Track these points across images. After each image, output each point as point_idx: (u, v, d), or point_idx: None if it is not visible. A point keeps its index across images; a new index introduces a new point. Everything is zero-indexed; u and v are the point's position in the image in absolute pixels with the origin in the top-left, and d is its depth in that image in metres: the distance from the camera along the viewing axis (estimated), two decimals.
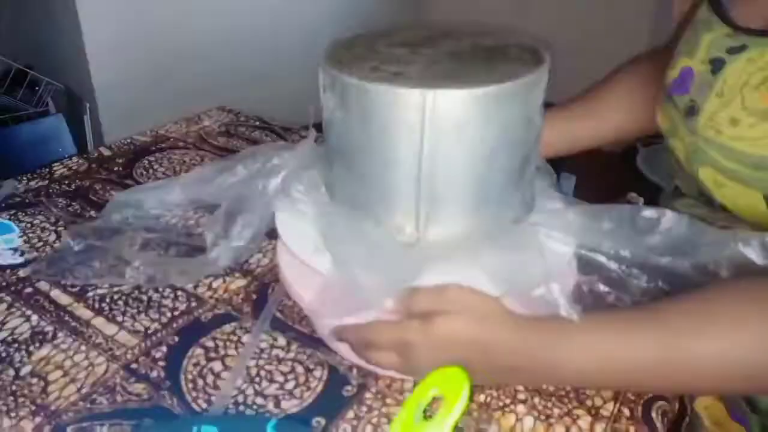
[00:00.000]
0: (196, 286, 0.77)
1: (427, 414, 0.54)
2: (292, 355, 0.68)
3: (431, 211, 0.61)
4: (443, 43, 0.67)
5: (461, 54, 0.64)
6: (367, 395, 0.63)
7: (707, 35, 0.66)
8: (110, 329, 0.71)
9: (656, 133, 0.81)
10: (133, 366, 0.66)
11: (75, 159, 1.09)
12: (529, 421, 0.60)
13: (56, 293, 0.76)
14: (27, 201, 0.95)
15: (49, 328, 0.70)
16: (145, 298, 0.75)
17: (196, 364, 0.66)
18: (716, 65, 0.64)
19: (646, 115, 0.82)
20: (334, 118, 0.63)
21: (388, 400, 0.62)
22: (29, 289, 0.76)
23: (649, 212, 0.61)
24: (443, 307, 0.56)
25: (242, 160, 0.78)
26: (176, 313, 0.73)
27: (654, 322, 0.54)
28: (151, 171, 1.06)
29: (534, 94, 0.60)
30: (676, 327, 0.52)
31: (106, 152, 1.13)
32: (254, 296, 0.76)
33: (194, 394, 0.63)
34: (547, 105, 0.65)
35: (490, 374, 0.58)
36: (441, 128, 0.57)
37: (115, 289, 0.76)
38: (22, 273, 0.79)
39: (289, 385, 0.64)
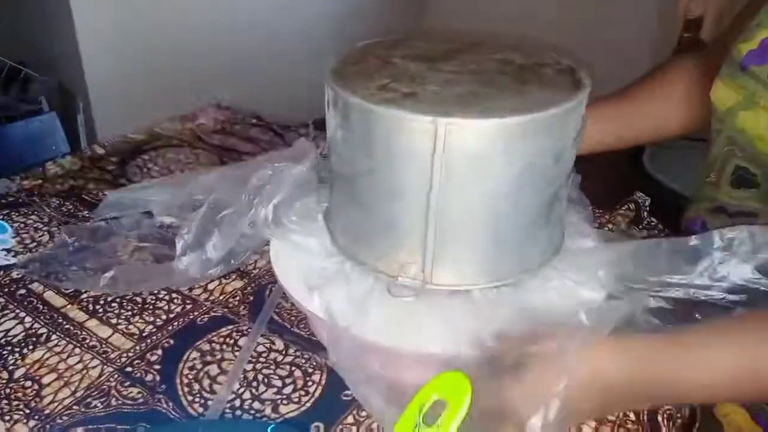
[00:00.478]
0: (191, 289, 0.76)
1: (428, 419, 0.53)
2: (290, 358, 0.67)
3: (440, 251, 0.55)
4: (467, 57, 0.60)
5: (486, 73, 0.57)
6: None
7: None
8: (105, 332, 0.70)
9: (699, 130, 0.81)
10: (128, 369, 0.65)
11: (68, 158, 1.08)
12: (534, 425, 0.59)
13: (50, 295, 0.74)
14: (20, 201, 0.94)
15: (43, 331, 0.69)
16: (139, 300, 0.74)
17: (191, 368, 0.65)
18: None
19: (692, 113, 0.81)
20: (336, 138, 0.57)
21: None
22: (23, 291, 0.75)
23: (693, 241, 0.56)
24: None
25: (242, 169, 0.75)
26: (171, 315, 0.72)
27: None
28: (145, 170, 1.05)
29: (568, 126, 0.54)
30: None
31: (100, 151, 1.11)
32: (251, 298, 0.75)
33: (190, 398, 0.62)
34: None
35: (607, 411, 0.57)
36: (455, 161, 0.51)
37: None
38: (15, 274, 0.78)
39: (288, 390, 0.63)
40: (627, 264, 0.58)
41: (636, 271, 0.58)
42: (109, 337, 0.69)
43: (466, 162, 0.51)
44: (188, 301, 0.74)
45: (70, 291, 0.75)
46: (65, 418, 0.59)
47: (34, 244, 0.84)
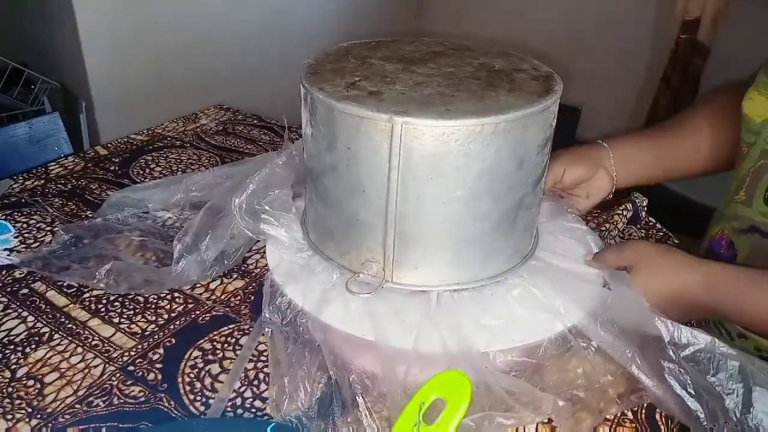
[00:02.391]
0: (193, 288, 0.76)
1: (428, 418, 0.53)
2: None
3: (400, 251, 0.56)
4: (445, 61, 0.61)
5: (459, 77, 0.57)
6: (368, 399, 0.62)
7: None
8: (107, 331, 0.70)
9: None
10: (130, 368, 0.65)
11: (71, 158, 1.08)
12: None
13: (52, 294, 0.75)
14: (23, 201, 0.94)
15: (46, 330, 0.70)
16: (141, 299, 0.74)
17: (193, 367, 0.65)
18: None
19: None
20: (306, 134, 0.59)
21: (389, 404, 0.61)
22: (25, 290, 0.75)
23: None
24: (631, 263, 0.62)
25: (236, 166, 0.77)
26: (173, 314, 0.72)
27: None
28: (147, 170, 1.05)
29: (530, 131, 0.54)
30: None
31: (103, 151, 1.12)
32: (252, 297, 0.75)
33: (192, 396, 0.62)
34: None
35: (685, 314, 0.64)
36: (412, 161, 0.51)
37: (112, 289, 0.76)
38: (17, 273, 0.78)
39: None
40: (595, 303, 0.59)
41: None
42: (111, 336, 0.69)
43: (423, 162, 0.51)
44: (190, 301, 0.74)
45: (72, 291, 0.75)
46: (67, 416, 0.59)
47: (37, 244, 0.84)
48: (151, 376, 0.64)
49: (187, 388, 0.63)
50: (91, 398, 0.62)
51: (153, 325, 0.71)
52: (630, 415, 0.61)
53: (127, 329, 0.70)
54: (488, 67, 0.60)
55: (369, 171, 0.53)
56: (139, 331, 0.70)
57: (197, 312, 0.73)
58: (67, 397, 0.62)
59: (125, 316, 0.72)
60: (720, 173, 0.83)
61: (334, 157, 0.55)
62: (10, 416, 0.59)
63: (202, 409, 0.61)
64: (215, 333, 0.70)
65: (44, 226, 0.88)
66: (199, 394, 0.62)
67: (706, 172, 0.85)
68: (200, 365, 0.66)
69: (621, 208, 0.90)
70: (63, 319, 0.71)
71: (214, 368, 0.65)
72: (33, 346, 0.68)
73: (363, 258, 0.58)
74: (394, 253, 0.56)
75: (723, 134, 0.81)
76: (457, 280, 0.59)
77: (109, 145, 1.14)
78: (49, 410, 0.60)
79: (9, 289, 0.75)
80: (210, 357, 0.67)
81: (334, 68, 0.58)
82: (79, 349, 0.67)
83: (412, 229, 0.55)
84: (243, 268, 0.80)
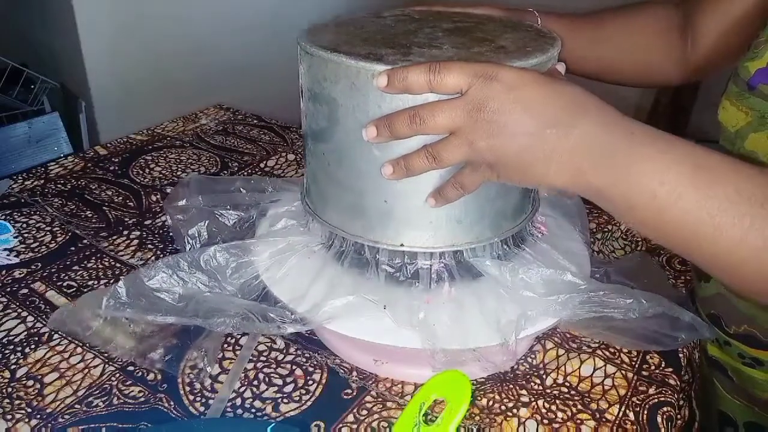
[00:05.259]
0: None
1: (429, 418, 0.53)
2: (290, 357, 0.67)
3: (401, 212, 0.58)
4: (452, 26, 0.62)
5: (466, 37, 0.59)
6: (367, 399, 0.62)
7: None
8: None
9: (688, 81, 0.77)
10: (130, 368, 0.65)
11: (70, 158, 1.08)
12: (532, 425, 0.60)
13: (51, 294, 0.75)
14: (22, 201, 0.94)
15: (45, 330, 0.69)
16: None
17: (193, 367, 0.65)
18: None
19: (671, 62, 0.77)
20: (301, 95, 0.60)
21: (389, 404, 0.62)
22: (25, 290, 0.75)
23: None
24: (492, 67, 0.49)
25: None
26: None
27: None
28: (147, 170, 1.05)
29: None
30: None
31: (102, 151, 1.12)
32: None
33: (191, 397, 0.62)
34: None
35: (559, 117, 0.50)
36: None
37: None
38: (17, 273, 0.78)
39: (288, 388, 0.63)
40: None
41: None
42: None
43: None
44: None
45: (72, 291, 0.75)
46: (67, 417, 0.59)
47: (36, 244, 0.84)
48: (151, 376, 0.64)
49: (187, 388, 0.63)
50: (90, 398, 0.61)
51: (153, 326, 0.70)
52: (631, 416, 0.61)
53: (128, 329, 0.70)
54: (498, 32, 0.61)
55: (360, 123, 0.54)
56: (139, 331, 0.70)
57: None
58: (66, 398, 0.61)
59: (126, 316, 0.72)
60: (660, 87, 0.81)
61: (329, 112, 0.56)
62: (9, 416, 0.59)
63: (201, 409, 0.61)
64: (215, 333, 0.70)
65: (44, 226, 0.88)
66: (199, 394, 0.62)
67: (638, 82, 0.83)
68: (200, 365, 0.65)
69: None
70: None
71: (214, 369, 0.65)
72: (32, 346, 0.67)
73: (366, 222, 0.59)
74: (401, 215, 0.58)
75: (651, 48, 0.78)
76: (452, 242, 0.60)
77: (108, 145, 1.14)
78: (48, 410, 0.60)
79: (8, 289, 0.75)
80: (210, 357, 0.66)
81: (338, 29, 0.61)
82: (79, 350, 0.67)
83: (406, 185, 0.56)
84: None
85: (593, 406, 0.62)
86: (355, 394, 0.63)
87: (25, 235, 0.86)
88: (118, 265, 0.80)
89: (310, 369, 0.65)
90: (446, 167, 0.53)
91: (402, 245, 0.59)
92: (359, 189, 0.58)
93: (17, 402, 0.61)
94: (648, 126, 0.49)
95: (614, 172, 0.48)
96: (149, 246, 0.84)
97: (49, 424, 0.58)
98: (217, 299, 0.64)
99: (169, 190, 0.97)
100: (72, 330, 0.66)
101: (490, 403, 0.62)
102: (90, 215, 0.91)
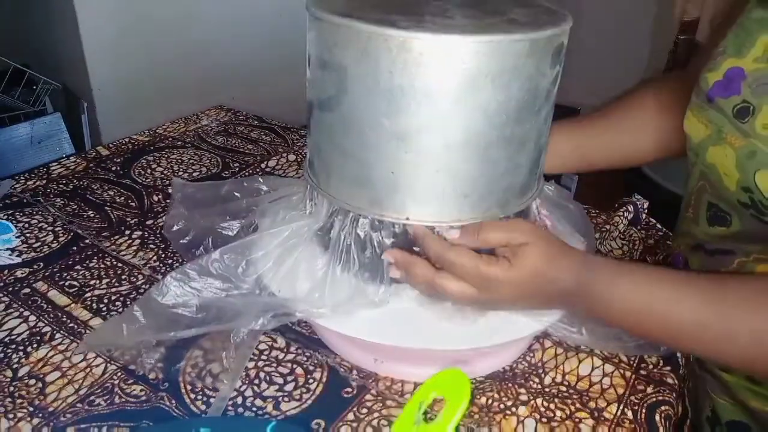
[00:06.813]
0: None
1: (428, 416, 0.54)
2: (291, 356, 0.67)
3: (410, 180, 0.57)
4: (462, 10, 0.59)
5: (480, 8, 0.58)
6: (367, 397, 0.62)
7: (765, 34, 0.61)
8: None
9: (673, 156, 0.79)
10: (131, 367, 0.65)
11: (72, 158, 1.09)
12: (530, 423, 0.60)
13: (54, 294, 0.75)
14: (24, 201, 0.95)
15: (47, 329, 0.70)
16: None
17: (194, 366, 0.66)
18: None
19: (662, 139, 0.79)
20: (308, 63, 0.59)
21: (389, 402, 0.62)
22: (27, 290, 0.76)
23: None
24: (519, 240, 0.56)
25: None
26: None
27: (703, 290, 0.55)
28: (149, 170, 1.06)
29: (531, 62, 0.53)
30: (727, 296, 0.54)
31: (104, 152, 1.12)
32: None
33: (192, 395, 0.62)
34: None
35: (549, 304, 0.60)
36: (409, 77, 0.51)
37: (113, 289, 0.76)
38: (19, 273, 0.78)
39: (289, 387, 0.63)
40: None
41: None
42: None
43: (420, 78, 0.52)
44: None
45: (74, 290, 0.76)
46: (69, 415, 0.60)
47: (38, 243, 0.84)
48: (152, 375, 0.64)
49: (188, 387, 0.63)
50: (92, 397, 0.62)
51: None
52: (630, 415, 0.61)
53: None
54: (509, 18, 0.59)
55: (372, 90, 0.53)
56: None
57: None
58: (68, 396, 0.62)
59: None
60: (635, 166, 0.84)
61: (339, 80, 0.55)
62: (11, 415, 0.59)
63: (203, 408, 0.61)
64: (216, 332, 0.70)
65: (46, 226, 0.88)
66: (200, 393, 0.63)
67: (624, 164, 0.86)
68: (201, 365, 0.66)
69: (621, 209, 0.91)
70: (64, 319, 0.71)
71: (215, 367, 0.65)
72: (35, 346, 0.68)
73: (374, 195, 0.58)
74: (409, 183, 0.57)
75: (644, 126, 0.81)
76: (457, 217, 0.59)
77: (110, 145, 1.15)
78: (50, 409, 0.60)
79: (11, 289, 0.76)
80: (211, 356, 0.67)
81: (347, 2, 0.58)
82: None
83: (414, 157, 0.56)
84: None
85: (592, 404, 0.62)
86: (355, 392, 0.63)
87: (27, 235, 0.86)
88: (119, 264, 0.80)
89: (311, 368, 0.66)
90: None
91: (407, 219, 0.58)
92: (365, 159, 0.57)
93: (19, 401, 0.61)
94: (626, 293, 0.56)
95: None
96: (151, 246, 0.84)
97: (51, 423, 0.59)
98: (236, 300, 0.64)
99: (170, 190, 0.98)
100: (102, 351, 0.67)
101: (489, 401, 0.62)
102: (92, 215, 0.91)
